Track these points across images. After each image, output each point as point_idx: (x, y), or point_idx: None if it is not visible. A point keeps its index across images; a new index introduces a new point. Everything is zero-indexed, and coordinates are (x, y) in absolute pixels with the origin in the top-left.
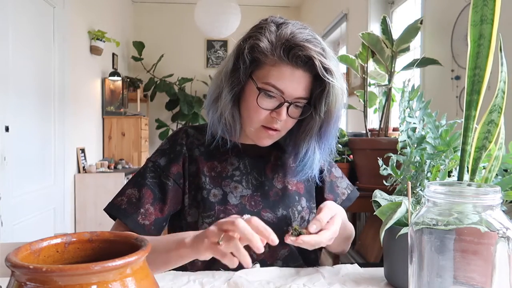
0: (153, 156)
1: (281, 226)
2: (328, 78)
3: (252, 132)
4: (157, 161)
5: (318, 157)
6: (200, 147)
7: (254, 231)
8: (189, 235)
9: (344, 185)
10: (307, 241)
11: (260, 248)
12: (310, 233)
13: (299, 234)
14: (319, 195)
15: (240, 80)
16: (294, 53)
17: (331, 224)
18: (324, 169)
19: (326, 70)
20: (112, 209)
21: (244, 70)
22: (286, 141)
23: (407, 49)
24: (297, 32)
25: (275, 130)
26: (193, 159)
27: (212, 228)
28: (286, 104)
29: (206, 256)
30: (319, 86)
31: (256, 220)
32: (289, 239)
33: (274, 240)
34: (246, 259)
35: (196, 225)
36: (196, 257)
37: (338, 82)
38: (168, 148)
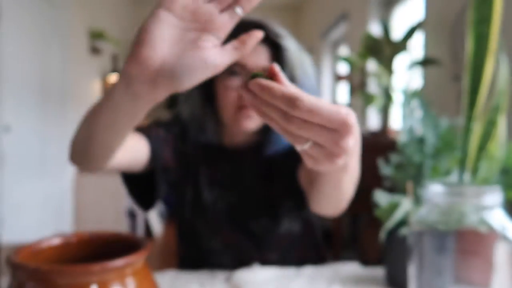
0: None
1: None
2: (279, 40)
3: (230, 120)
4: None
5: None
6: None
7: None
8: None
9: None
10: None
11: None
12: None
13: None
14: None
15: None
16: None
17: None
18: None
19: (276, 35)
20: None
21: None
22: None
23: (407, 49)
24: None
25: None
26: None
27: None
28: None
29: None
30: (280, 56)
31: None
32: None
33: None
34: None
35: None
36: (131, 91)
37: (291, 45)
38: None
